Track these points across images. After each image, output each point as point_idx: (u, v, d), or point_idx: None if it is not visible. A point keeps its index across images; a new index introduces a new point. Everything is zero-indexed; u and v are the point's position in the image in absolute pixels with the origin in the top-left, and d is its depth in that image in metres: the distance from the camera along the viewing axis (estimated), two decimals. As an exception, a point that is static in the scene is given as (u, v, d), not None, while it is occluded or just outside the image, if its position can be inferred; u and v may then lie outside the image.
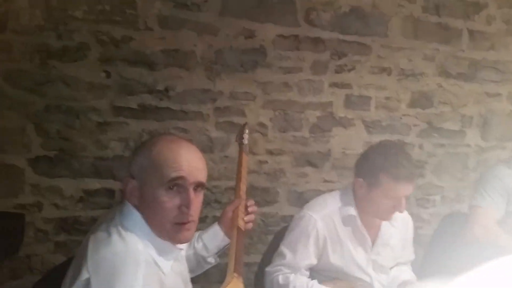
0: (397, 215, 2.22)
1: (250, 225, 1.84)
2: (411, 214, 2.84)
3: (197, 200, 1.36)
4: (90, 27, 3.06)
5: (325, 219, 2.19)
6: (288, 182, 3.65)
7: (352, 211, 2.17)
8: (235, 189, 1.97)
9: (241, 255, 1.63)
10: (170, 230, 1.34)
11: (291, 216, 2.41)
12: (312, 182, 3.81)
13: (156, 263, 1.36)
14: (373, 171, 2.12)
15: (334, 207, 2.26)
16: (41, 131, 3.25)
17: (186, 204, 1.33)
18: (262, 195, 3.58)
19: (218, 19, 3.25)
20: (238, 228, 1.76)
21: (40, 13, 3.01)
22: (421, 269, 3.11)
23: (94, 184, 3.37)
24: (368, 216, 2.18)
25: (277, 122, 3.64)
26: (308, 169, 3.79)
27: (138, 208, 1.36)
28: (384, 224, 2.26)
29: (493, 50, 3.89)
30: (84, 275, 1.21)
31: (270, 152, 3.73)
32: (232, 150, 3.42)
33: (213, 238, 1.89)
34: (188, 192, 1.34)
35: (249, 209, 1.88)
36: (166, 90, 3.39)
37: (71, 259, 1.40)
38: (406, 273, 2.40)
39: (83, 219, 3.39)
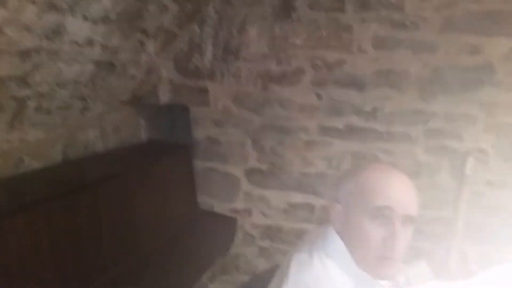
0: None
1: (470, 270, 0.93)
2: None
3: (404, 234, 0.76)
4: (306, 53, 1.91)
5: None
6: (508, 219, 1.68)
7: None
8: (451, 225, 1.05)
9: None
10: (371, 262, 0.77)
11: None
12: None
13: None
14: None
15: None
16: (257, 146, 2.12)
17: (391, 237, 0.74)
18: (476, 232, 1.71)
19: (438, 36, 1.74)
20: (449, 273, 0.95)
21: (265, 42, 1.98)
22: None
23: (298, 197, 2.10)
24: None
25: (502, 149, 1.79)
26: None
27: (341, 234, 0.81)
28: None
29: None
30: None
31: (490, 183, 1.83)
32: (442, 177, 1.78)
33: (418, 277, 0.98)
34: (394, 224, 0.74)
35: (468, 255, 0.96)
36: (374, 111, 1.92)
37: (274, 268, 0.89)
38: None
39: (285, 229, 2.14)
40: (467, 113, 1.75)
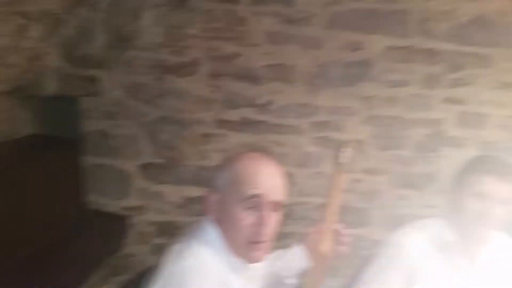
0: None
1: (341, 250, 0.87)
2: None
3: (273, 219, 0.71)
4: (202, 43, 1.59)
5: (416, 246, 0.99)
6: (385, 205, 1.64)
7: (449, 236, 0.99)
8: (325, 210, 0.88)
9: (319, 284, 0.82)
10: (243, 247, 0.71)
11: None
12: (412, 206, 1.64)
13: (226, 281, 0.70)
14: (461, 176, 0.96)
15: (427, 233, 1.01)
16: (152, 139, 1.67)
17: (260, 223, 0.69)
18: (354, 216, 1.61)
19: (324, 32, 1.56)
20: (321, 254, 0.84)
21: (160, 31, 1.59)
22: None
23: (194, 191, 1.69)
24: (467, 238, 0.98)
25: (378, 139, 1.62)
26: (409, 192, 1.65)
27: (218, 222, 0.73)
28: (486, 251, 1.00)
29: None
30: (154, 286, 0.67)
31: (367, 171, 1.66)
32: (327, 166, 1.47)
33: (294, 259, 0.90)
34: (262, 211, 0.69)
35: (340, 236, 0.87)
36: (267, 104, 1.64)
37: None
38: None
39: (182, 224, 1.70)
40: (348, 106, 1.63)
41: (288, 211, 1.79)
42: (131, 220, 1.73)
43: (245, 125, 1.67)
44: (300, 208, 1.68)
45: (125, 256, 1.74)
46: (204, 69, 1.64)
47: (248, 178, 0.68)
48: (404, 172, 1.67)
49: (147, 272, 0.88)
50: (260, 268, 0.79)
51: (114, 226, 1.70)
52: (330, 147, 1.61)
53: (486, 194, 0.91)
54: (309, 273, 0.83)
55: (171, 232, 1.73)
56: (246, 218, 0.68)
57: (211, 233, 0.71)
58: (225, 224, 0.70)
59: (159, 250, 1.62)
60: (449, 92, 1.62)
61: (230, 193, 0.69)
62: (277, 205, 0.70)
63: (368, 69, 1.60)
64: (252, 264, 0.72)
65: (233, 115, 1.67)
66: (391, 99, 1.63)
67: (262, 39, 1.61)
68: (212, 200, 0.72)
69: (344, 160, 0.94)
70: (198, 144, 1.70)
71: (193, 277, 0.64)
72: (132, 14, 1.59)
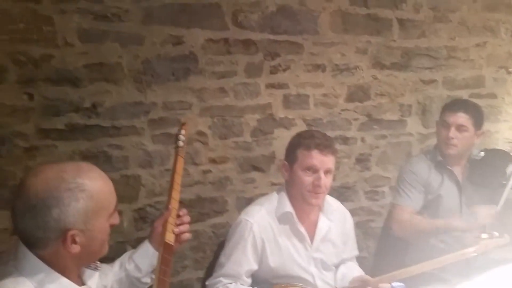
0: (332, 208, 1.00)
1: (185, 237, 0.73)
2: (362, 208, 1.38)
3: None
4: (4, 47, 1.11)
5: (261, 221, 0.93)
6: (236, 190, 1.37)
7: (287, 207, 0.94)
8: (167, 198, 0.75)
9: (167, 275, 0.62)
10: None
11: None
12: (260, 187, 1.40)
13: None
14: (291, 150, 0.96)
15: (270, 208, 0.96)
16: None
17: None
18: (211, 206, 1.35)
19: (142, 28, 1.22)
20: (166, 244, 0.66)
21: None
22: (375, 262, 1.33)
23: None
24: (306, 209, 0.94)
25: (217, 129, 1.33)
26: (255, 174, 1.41)
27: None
28: (321, 219, 0.97)
29: (424, 37, 1.48)
30: None
31: (213, 161, 1.37)
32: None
33: (144, 257, 0.73)
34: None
35: (180, 220, 0.72)
36: (94, 106, 1.21)
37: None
38: (354, 270, 1.01)
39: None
40: (182, 100, 1.33)
41: (141, 215, 1.36)
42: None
43: (74, 132, 1.28)
44: (153, 210, 1.39)
45: None
46: (12, 76, 1.19)
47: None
48: (246, 156, 1.48)
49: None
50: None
51: None
52: (172, 143, 1.27)
53: (314, 167, 0.89)
54: (157, 266, 0.64)
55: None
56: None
57: (29, 260, 0.52)
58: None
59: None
60: (271, 78, 1.39)
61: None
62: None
63: (194, 62, 1.34)
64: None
65: (57, 122, 1.28)
66: (221, 89, 1.42)
67: (74, 38, 1.21)
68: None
69: (180, 144, 0.80)
70: (23, 160, 1.25)
71: None
72: None
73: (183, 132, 0.82)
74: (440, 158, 1.13)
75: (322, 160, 0.86)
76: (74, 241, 0.52)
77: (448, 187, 1.13)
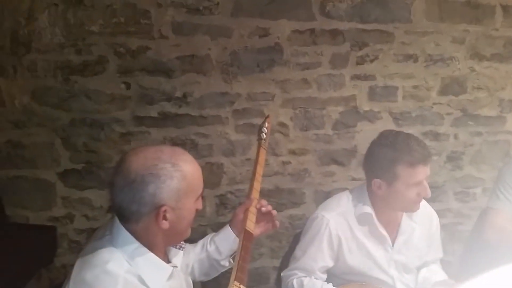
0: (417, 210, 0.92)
1: (270, 227, 0.78)
2: (450, 209, 1.29)
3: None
4: (107, 40, 1.24)
5: (338, 218, 0.89)
6: (314, 182, 1.37)
7: (367, 209, 0.87)
8: (249, 188, 0.76)
9: (246, 261, 0.63)
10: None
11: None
12: (339, 181, 1.40)
13: (143, 284, 0.56)
14: (387, 167, 0.82)
15: (348, 206, 0.89)
16: (69, 145, 1.29)
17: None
18: (288, 197, 1.38)
19: (231, 21, 1.25)
20: (246, 231, 0.68)
21: (60, 30, 1.21)
22: (460, 267, 1.23)
23: None
24: (388, 211, 0.88)
25: (298, 121, 1.33)
26: (334, 168, 1.39)
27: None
28: (404, 220, 0.91)
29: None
30: None
31: (293, 152, 1.38)
32: (254, 152, 1.00)
33: (225, 241, 0.76)
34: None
35: (262, 210, 0.74)
36: (184, 96, 1.31)
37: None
38: (437, 274, 0.92)
39: None
40: (265, 91, 1.37)
41: (222, 201, 1.44)
42: (60, 230, 1.39)
43: (165, 120, 1.39)
44: (233, 197, 1.48)
45: (60, 266, 1.41)
46: (112, 66, 1.32)
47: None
48: (326, 149, 1.49)
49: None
50: (179, 267, 0.66)
51: (43, 237, 1.36)
52: (254, 133, 1.34)
53: (420, 182, 0.83)
54: (237, 252, 0.66)
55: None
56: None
57: (123, 236, 0.57)
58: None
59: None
60: (357, 69, 1.37)
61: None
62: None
63: (279, 53, 1.37)
64: (172, 263, 0.63)
65: (151, 110, 1.39)
66: (304, 81, 1.43)
67: (168, 31, 1.31)
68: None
69: (263, 136, 0.82)
70: (118, 145, 1.39)
71: (103, 284, 0.54)
72: (26, 15, 1.24)
73: (266, 124, 0.84)
74: None
75: (426, 170, 0.80)
76: (164, 217, 0.54)
77: None
